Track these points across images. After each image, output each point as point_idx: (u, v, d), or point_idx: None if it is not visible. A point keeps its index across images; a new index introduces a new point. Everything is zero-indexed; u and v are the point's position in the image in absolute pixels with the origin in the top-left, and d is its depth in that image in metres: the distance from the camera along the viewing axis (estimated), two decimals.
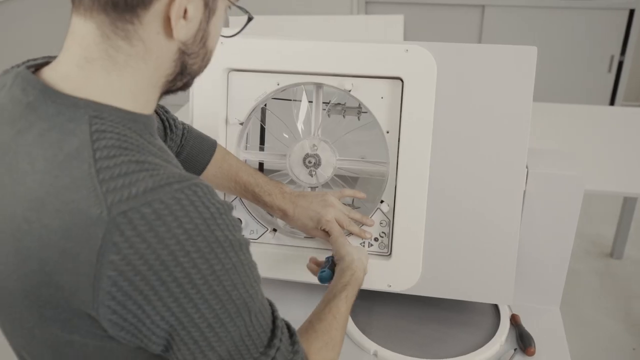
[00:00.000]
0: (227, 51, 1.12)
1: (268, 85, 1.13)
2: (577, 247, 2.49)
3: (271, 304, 0.73)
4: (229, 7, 0.72)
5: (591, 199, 2.81)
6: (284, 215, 1.10)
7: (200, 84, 1.13)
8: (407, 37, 3.40)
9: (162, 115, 1.03)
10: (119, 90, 0.65)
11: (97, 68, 0.64)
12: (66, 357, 0.67)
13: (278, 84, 1.13)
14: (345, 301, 0.89)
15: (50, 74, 0.65)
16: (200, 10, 0.66)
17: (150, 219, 0.57)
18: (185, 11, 0.64)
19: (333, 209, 1.08)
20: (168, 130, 1.03)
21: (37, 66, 0.68)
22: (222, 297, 0.62)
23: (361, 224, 1.13)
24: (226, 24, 0.76)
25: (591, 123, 2.20)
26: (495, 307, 1.17)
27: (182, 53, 0.68)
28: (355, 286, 0.95)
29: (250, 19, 0.77)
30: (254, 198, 1.10)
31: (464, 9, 3.40)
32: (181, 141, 1.06)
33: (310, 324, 0.84)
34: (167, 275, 0.59)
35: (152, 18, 0.63)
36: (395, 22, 3.28)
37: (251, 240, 1.17)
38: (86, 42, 0.64)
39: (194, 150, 1.07)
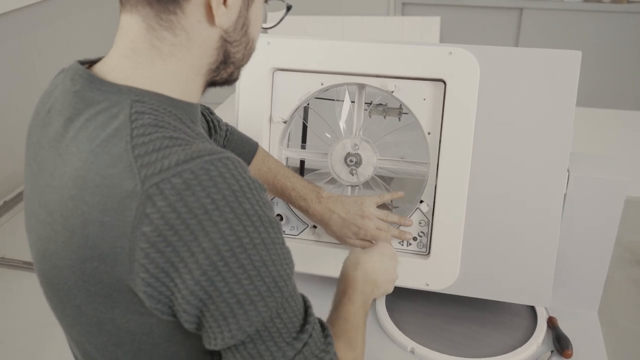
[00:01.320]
0: (272, 51, 1.15)
1: (312, 85, 1.15)
2: (613, 254, 2.44)
3: (304, 297, 0.72)
4: None
5: (629, 206, 2.77)
6: (320, 223, 1.11)
7: (246, 83, 1.17)
8: (443, 39, 3.39)
9: (207, 116, 1.06)
10: (162, 78, 0.68)
11: (143, 58, 0.68)
12: (110, 334, 0.69)
13: (322, 84, 1.15)
14: (350, 304, 0.85)
15: (101, 67, 0.70)
16: None
17: (181, 188, 0.59)
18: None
19: (370, 221, 1.08)
20: (212, 131, 1.06)
21: (91, 62, 0.72)
22: (250, 272, 0.62)
23: (399, 225, 1.14)
24: (265, 20, 0.78)
25: (634, 129, 2.18)
26: (532, 309, 1.17)
27: (225, 41, 0.70)
28: (355, 289, 0.88)
29: (289, 8, 0.79)
30: (290, 202, 1.12)
31: (502, 11, 3.38)
32: (224, 142, 1.09)
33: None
34: (196, 246, 0.60)
35: (194, 7, 0.66)
36: (431, 23, 3.28)
37: (291, 236, 1.20)
38: (133, 35, 0.68)
39: (236, 152, 1.09)
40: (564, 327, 1.12)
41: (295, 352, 0.67)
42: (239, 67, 0.75)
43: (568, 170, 1.08)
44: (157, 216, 0.59)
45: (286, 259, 0.67)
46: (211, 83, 0.74)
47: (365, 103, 1.20)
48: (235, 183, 0.61)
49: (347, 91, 1.20)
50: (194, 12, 0.66)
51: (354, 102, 1.19)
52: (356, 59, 1.12)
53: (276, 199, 1.19)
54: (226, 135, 1.09)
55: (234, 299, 0.62)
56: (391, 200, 1.21)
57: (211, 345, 0.65)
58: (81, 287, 0.67)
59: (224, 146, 1.09)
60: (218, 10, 0.66)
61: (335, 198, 1.10)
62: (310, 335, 0.69)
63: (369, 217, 1.08)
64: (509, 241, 1.09)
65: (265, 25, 0.78)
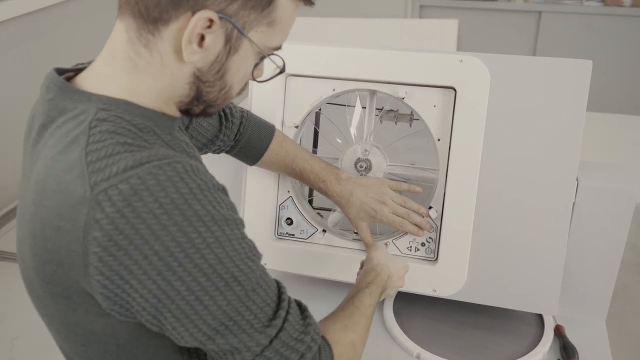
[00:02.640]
0: (286, 57, 1.15)
1: (324, 90, 1.17)
2: (627, 261, 2.43)
3: (278, 283, 0.74)
4: (264, 56, 0.73)
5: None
6: (339, 203, 1.12)
7: (259, 88, 1.19)
8: (460, 43, 3.39)
9: None
10: (136, 89, 0.70)
11: (120, 67, 0.69)
12: (77, 335, 0.71)
13: (334, 90, 1.16)
14: (369, 296, 0.91)
15: (84, 74, 0.72)
16: (220, 43, 0.68)
17: (128, 194, 0.60)
18: (203, 38, 0.67)
19: (386, 206, 1.09)
20: (223, 120, 1.06)
21: (78, 70, 0.74)
22: (206, 270, 0.63)
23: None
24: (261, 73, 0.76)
25: None
26: (539, 317, 1.17)
27: (197, 78, 0.70)
28: (378, 286, 0.96)
29: (281, 72, 0.77)
30: (310, 184, 1.13)
31: (520, 14, 3.36)
32: (239, 129, 1.09)
33: (331, 313, 0.86)
34: (148, 249, 0.61)
35: (169, 36, 0.67)
36: (449, 26, 3.27)
37: (301, 240, 1.21)
38: (116, 42, 0.70)
39: (253, 137, 1.10)
40: (571, 335, 1.13)
41: (270, 338, 0.69)
42: (212, 106, 0.74)
43: (577, 179, 1.08)
44: (107, 222, 0.60)
45: (247, 252, 0.68)
46: (185, 112, 0.75)
47: (377, 109, 1.21)
48: (184, 186, 0.62)
49: (358, 97, 1.22)
50: (169, 40, 0.67)
51: (365, 107, 1.20)
52: (368, 66, 1.13)
53: (285, 204, 1.21)
54: (241, 122, 1.09)
55: (192, 296, 0.64)
56: None
57: (182, 342, 0.67)
58: (45, 289, 0.69)
59: (240, 132, 1.09)
60: (187, 47, 0.66)
61: (355, 180, 1.11)
62: (286, 320, 0.70)
63: (387, 202, 1.09)
64: (517, 249, 1.09)
65: (258, 79, 0.77)
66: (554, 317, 1.17)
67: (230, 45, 0.69)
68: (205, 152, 1.10)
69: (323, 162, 1.13)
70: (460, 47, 3.39)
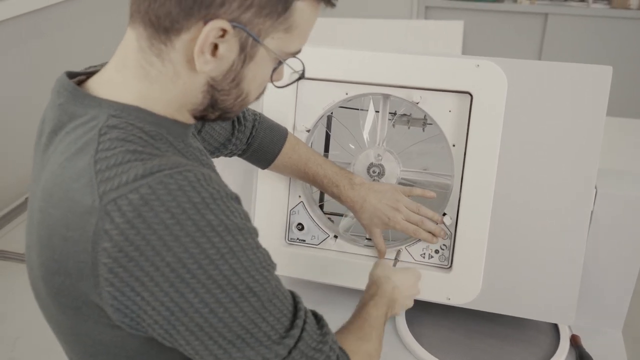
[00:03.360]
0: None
1: (336, 94, 1.15)
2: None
3: (293, 293, 0.72)
4: (281, 61, 0.71)
5: None
6: (352, 208, 1.10)
7: (271, 91, 1.16)
8: (466, 44, 3.37)
9: None
10: (148, 96, 0.68)
11: (131, 75, 0.67)
12: (86, 345, 0.69)
13: (346, 94, 1.14)
14: (375, 308, 0.90)
15: (95, 78, 0.70)
16: (234, 52, 0.66)
17: (138, 204, 0.58)
18: (216, 48, 0.64)
19: (400, 213, 1.08)
20: (236, 123, 1.04)
21: (90, 73, 0.72)
22: (220, 281, 0.61)
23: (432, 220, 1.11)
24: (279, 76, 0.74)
25: None
26: (555, 326, 1.15)
27: (211, 87, 0.68)
28: (382, 297, 0.94)
29: (300, 77, 0.75)
30: (323, 189, 1.12)
31: (526, 16, 3.34)
32: (252, 132, 1.07)
33: (342, 326, 0.85)
34: (160, 261, 0.59)
35: (181, 45, 0.65)
36: (454, 28, 3.26)
37: (312, 246, 1.19)
38: (128, 50, 0.68)
39: (265, 141, 1.08)
40: (587, 345, 1.11)
41: (288, 349, 0.67)
42: (230, 112, 0.73)
43: (595, 187, 1.06)
44: (116, 232, 0.59)
45: (262, 262, 0.66)
46: (201, 118, 0.73)
47: (390, 113, 1.19)
48: (197, 195, 0.60)
49: (371, 101, 1.20)
50: (181, 50, 0.65)
51: (378, 111, 1.18)
52: (382, 70, 1.11)
53: (296, 209, 1.19)
54: (254, 125, 1.07)
55: (206, 308, 0.62)
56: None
57: (196, 357, 0.65)
58: (54, 299, 0.67)
59: (252, 136, 1.07)
60: (199, 58, 0.64)
61: (369, 186, 1.10)
62: (303, 329, 0.69)
63: (400, 208, 1.08)
64: (533, 257, 1.07)
65: (277, 84, 0.75)
66: (569, 326, 1.15)
67: (245, 54, 0.67)
68: (218, 156, 1.08)
69: (336, 166, 1.11)
70: (466, 49, 3.37)
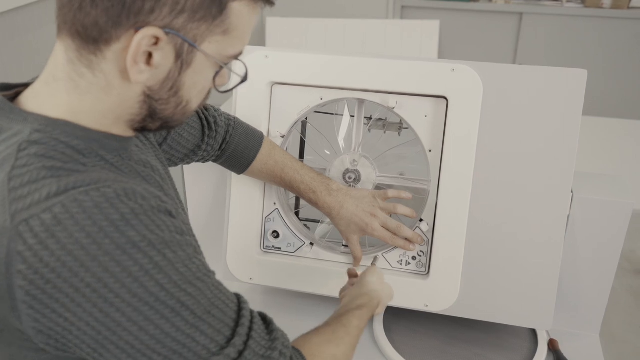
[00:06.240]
0: (271, 65, 1.12)
1: (311, 99, 1.13)
2: (621, 268, 2.44)
3: (239, 298, 0.69)
4: (223, 65, 0.68)
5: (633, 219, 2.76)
6: (329, 215, 1.08)
7: (244, 96, 1.14)
8: (442, 43, 3.37)
9: (201, 113, 1.01)
10: (78, 109, 0.65)
11: (60, 88, 0.65)
12: None
13: (321, 99, 1.12)
14: (358, 319, 0.85)
15: (27, 92, 0.67)
16: (170, 59, 0.64)
17: (50, 224, 0.56)
18: (151, 56, 0.62)
19: (377, 219, 1.06)
20: (206, 130, 1.01)
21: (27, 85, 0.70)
22: (147, 299, 0.59)
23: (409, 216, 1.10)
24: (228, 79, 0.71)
25: (634, 137, 2.16)
26: (533, 331, 1.15)
27: (148, 97, 0.66)
28: (369, 312, 0.90)
29: (243, 81, 0.72)
30: (299, 194, 1.09)
31: (501, 15, 3.36)
32: (225, 137, 1.05)
33: (314, 328, 0.81)
34: (79, 282, 0.57)
35: (113, 56, 0.63)
36: (430, 27, 3.26)
37: (288, 254, 1.17)
38: (57, 62, 0.65)
39: (240, 147, 1.06)
40: (565, 349, 1.10)
41: (231, 359, 0.64)
42: (170, 121, 0.70)
43: (572, 191, 1.06)
44: (30, 254, 0.56)
45: (195, 274, 0.63)
46: (141, 129, 0.70)
47: (365, 117, 1.17)
48: (115, 212, 0.58)
49: (346, 105, 1.18)
50: (113, 60, 0.63)
51: (353, 116, 1.17)
52: (357, 74, 1.09)
53: (271, 216, 1.17)
54: (227, 130, 1.05)
55: (135, 327, 0.59)
56: (390, 216, 1.17)
57: None
58: None
59: (226, 142, 1.05)
60: (133, 68, 0.62)
61: (346, 191, 1.08)
62: (249, 337, 0.66)
63: (377, 214, 1.06)
64: (510, 262, 1.07)
65: (220, 89, 0.72)
66: (547, 331, 1.15)
67: (182, 60, 0.64)
68: (188, 162, 1.05)
69: (314, 172, 1.09)
70: (442, 48, 3.38)
